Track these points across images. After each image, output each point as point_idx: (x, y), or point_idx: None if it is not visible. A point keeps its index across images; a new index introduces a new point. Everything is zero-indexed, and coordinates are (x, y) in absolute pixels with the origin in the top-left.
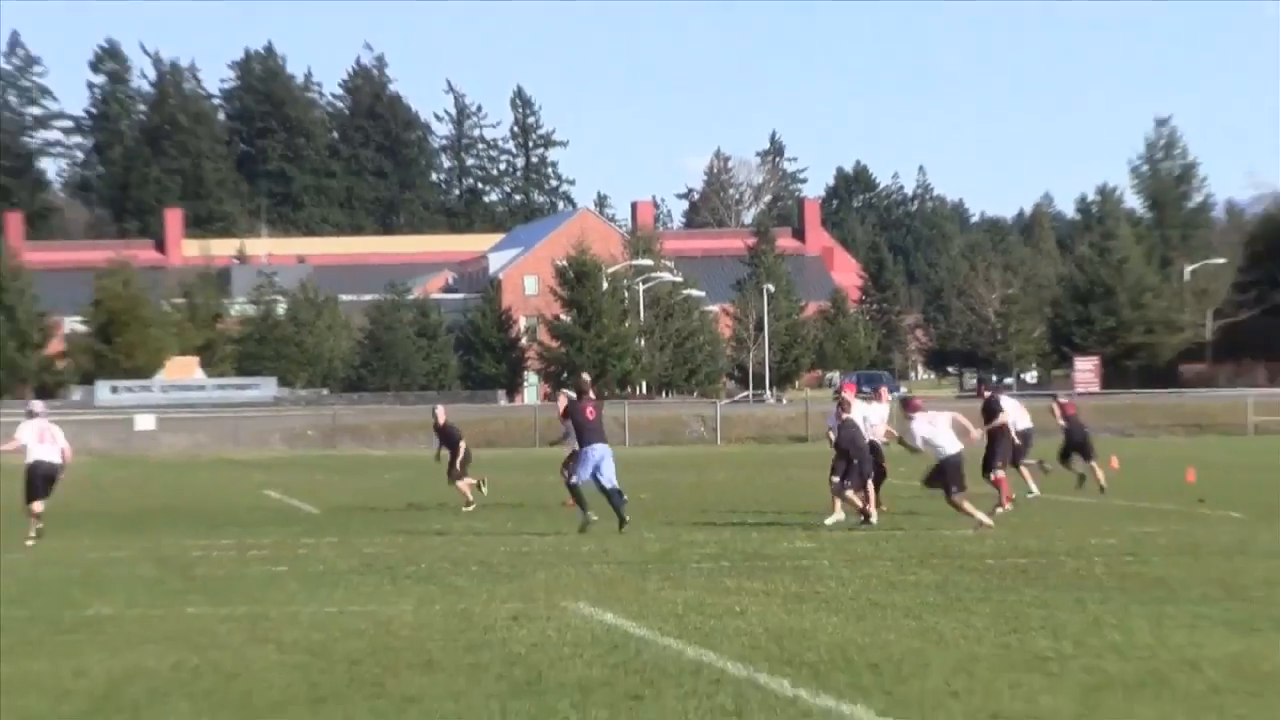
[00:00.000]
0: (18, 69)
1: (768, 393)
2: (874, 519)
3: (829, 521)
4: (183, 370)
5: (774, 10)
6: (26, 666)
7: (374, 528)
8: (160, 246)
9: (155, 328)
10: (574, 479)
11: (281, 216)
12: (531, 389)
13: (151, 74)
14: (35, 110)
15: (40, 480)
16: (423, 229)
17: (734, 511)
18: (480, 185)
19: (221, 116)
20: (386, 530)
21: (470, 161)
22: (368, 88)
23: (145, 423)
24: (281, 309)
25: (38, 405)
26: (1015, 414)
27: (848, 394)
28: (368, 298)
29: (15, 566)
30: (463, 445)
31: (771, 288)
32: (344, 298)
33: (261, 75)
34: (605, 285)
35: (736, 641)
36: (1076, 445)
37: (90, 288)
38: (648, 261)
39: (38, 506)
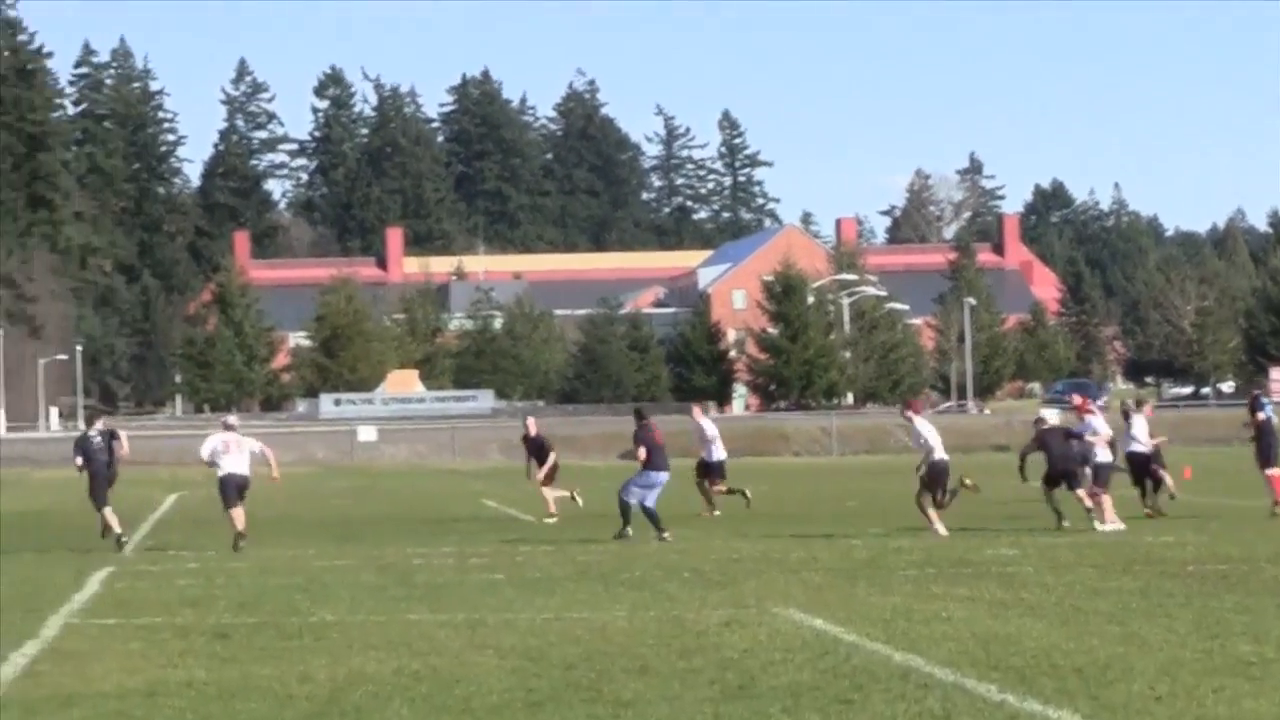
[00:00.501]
0: (246, 95)
1: (970, 403)
2: (1066, 522)
3: (1103, 529)
4: (403, 383)
5: (971, 34)
6: (253, 671)
7: (589, 535)
8: (381, 264)
9: (377, 342)
10: (633, 499)
11: (498, 234)
12: (740, 400)
13: (373, 99)
14: (262, 134)
15: (233, 490)
16: (634, 246)
17: (943, 521)
18: (689, 203)
19: (440, 139)
20: (601, 538)
21: (680, 181)
22: (580, 110)
23: (367, 434)
24: (498, 323)
25: (233, 419)
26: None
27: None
28: (581, 312)
29: (241, 574)
30: (553, 456)
31: (973, 301)
32: (558, 312)
33: (478, 99)
34: (811, 299)
35: (943, 646)
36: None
37: (314, 304)
38: (852, 276)
39: (238, 514)
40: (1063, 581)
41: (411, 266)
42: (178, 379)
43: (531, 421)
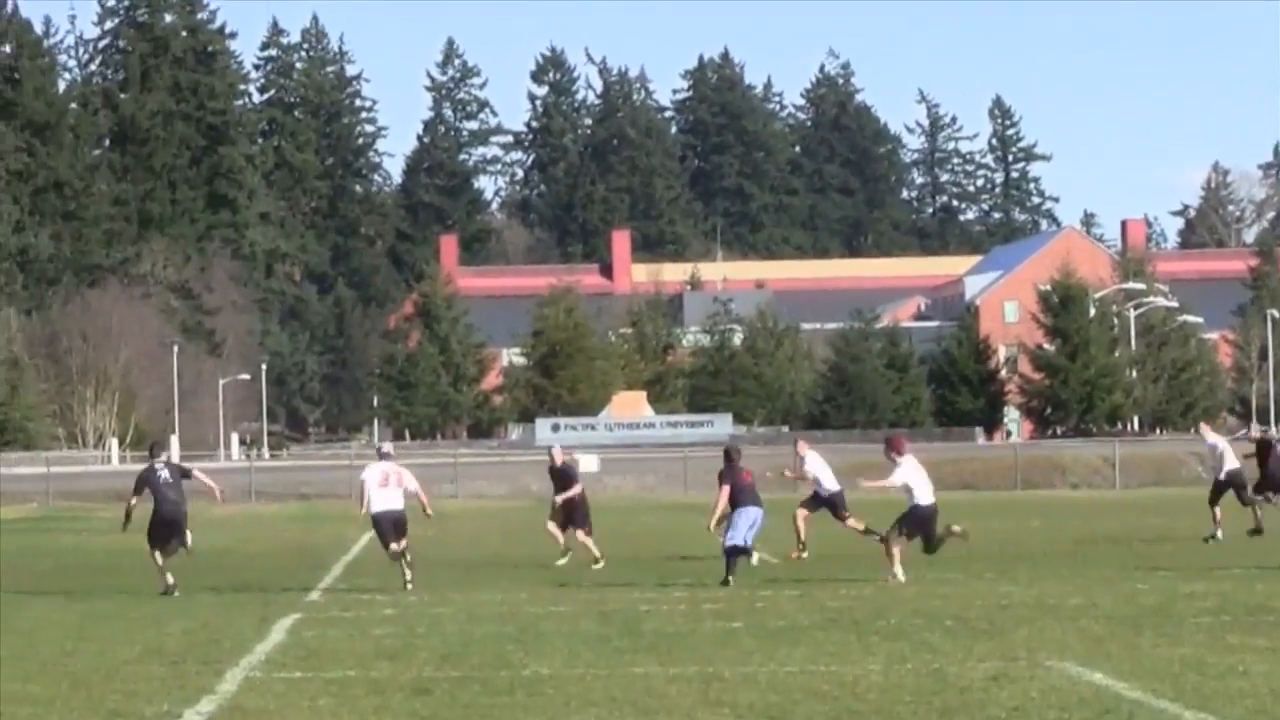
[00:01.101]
0: (454, 80)
1: (1274, 428)
2: None
3: None
4: (630, 406)
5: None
6: None
7: (839, 579)
8: (606, 271)
9: (601, 360)
10: (731, 541)
11: (738, 238)
12: (1013, 425)
13: (598, 84)
14: (472, 125)
15: (389, 526)
16: (892, 250)
17: (1237, 560)
18: (955, 203)
19: (674, 130)
20: (852, 581)
21: (944, 177)
22: (832, 97)
23: (589, 464)
24: (738, 339)
25: (388, 446)
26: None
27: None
28: (832, 326)
29: (445, 622)
30: (576, 488)
31: (1276, 313)
32: (805, 326)
33: (717, 85)
34: (1092, 311)
35: (1239, 704)
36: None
37: (530, 317)
38: (1139, 285)
39: (395, 547)
40: None
41: (640, 274)
42: (375, 402)
43: (558, 450)
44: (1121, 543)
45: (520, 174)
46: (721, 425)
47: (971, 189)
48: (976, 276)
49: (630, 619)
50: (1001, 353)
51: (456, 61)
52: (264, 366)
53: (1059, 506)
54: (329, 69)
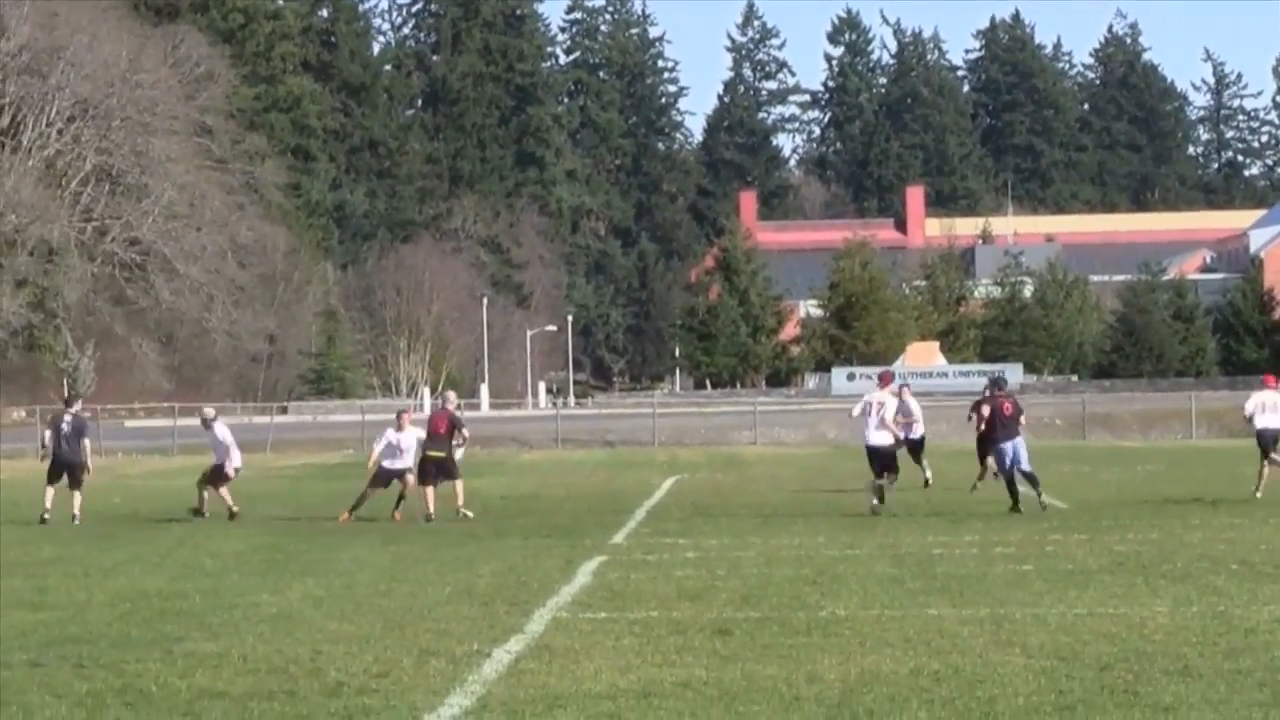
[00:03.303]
0: (754, 42)
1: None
2: None
3: None
4: (924, 356)
5: None
6: (757, 671)
7: (1126, 524)
8: (900, 226)
9: (895, 312)
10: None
11: (1028, 193)
12: None
13: (892, 45)
14: (771, 85)
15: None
16: (1179, 205)
17: None
18: (1241, 158)
19: (966, 89)
20: (1140, 526)
21: (1230, 134)
22: (1120, 56)
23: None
24: (1028, 291)
25: (210, 410)
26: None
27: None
28: (1120, 278)
29: (745, 565)
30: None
31: None
32: (1094, 278)
33: (1008, 45)
34: None
35: None
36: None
37: (827, 269)
38: None
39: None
40: None
41: (933, 229)
42: (676, 352)
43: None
44: None
45: (817, 132)
46: (1012, 374)
47: (1256, 145)
48: (1261, 230)
49: (923, 562)
50: None
51: (756, 23)
52: (570, 318)
53: None
54: (632, 31)
